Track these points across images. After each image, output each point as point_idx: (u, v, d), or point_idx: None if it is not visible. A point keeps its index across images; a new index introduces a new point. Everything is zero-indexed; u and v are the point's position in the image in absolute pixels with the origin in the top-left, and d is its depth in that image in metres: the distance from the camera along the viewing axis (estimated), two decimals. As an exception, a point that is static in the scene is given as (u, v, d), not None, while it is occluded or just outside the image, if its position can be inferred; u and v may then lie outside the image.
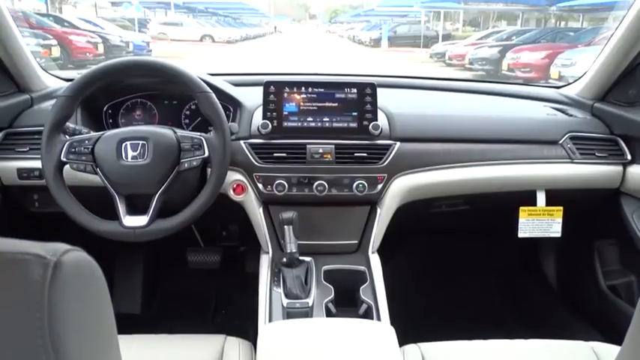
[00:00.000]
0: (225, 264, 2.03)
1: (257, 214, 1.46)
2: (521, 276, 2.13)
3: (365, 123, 1.43)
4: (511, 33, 14.55)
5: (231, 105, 1.51)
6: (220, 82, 1.50)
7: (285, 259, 1.34)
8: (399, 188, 1.45)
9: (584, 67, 1.74)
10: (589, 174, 1.55)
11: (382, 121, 1.46)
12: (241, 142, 1.42)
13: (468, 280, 2.13)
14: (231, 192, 1.42)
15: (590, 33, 11.38)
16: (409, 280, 1.98)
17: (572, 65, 7.89)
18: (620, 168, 1.55)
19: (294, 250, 1.32)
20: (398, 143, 1.45)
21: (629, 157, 1.55)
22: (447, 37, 18.80)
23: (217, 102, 1.28)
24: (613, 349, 1.15)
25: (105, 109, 1.56)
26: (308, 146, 1.41)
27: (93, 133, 1.29)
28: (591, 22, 15.74)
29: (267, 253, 1.48)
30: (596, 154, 1.55)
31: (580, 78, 1.74)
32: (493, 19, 22.86)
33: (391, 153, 1.43)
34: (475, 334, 1.20)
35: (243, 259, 2.06)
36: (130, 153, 1.23)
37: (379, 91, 1.45)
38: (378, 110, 1.46)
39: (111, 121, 1.56)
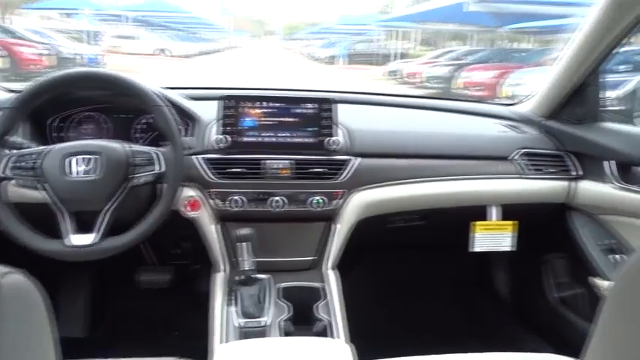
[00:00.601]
0: (178, 283, 1.97)
1: (210, 232, 1.42)
2: (476, 290, 2.16)
3: (322, 138, 1.43)
4: (464, 52, 15.00)
5: (188, 119, 1.48)
6: (176, 96, 1.47)
7: (240, 277, 1.31)
8: (357, 204, 1.45)
9: (533, 86, 1.80)
10: (540, 189, 1.59)
11: (342, 136, 1.46)
12: (197, 156, 1.39)
13: (425, 295, 2.15)
14: (184, 208, 1.38)
15: (538, 54, 11.85)
16: (368, 295, 1.97)
17: (522, 84, 8.18)
18: (570, 183, 1.60)
19: (250, 268, 1.29)
20: (358, 159, 1.45)
21: (580, 172, 1.60)
22: (403, 55, 19.20)
23: (171, 116, 1.25)
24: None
25: (51, 122, 1.50)
26: (265, 161, 1.40)
27: (38, 147, 1.23)
28: (540, 44, 16.41)
29: (221, 271, 1.45)
30: (547, 169, 1.59)
31: (532, 96, 1.79)
32: (447, 38, 23.53)
33: (351, 168, 1.44)
34: (432, 348, 1.20)
35: (197, 277, 2.01)
36: (79, 168, 1.19)
37: (340, 107, 1.46)
38: (339, 126, 1.46)
39: (56, 134, 1.50)
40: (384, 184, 1.48)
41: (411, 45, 23.29)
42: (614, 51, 1.48)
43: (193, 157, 1.38)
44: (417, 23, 20.01)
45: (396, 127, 1.66)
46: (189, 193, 1.38)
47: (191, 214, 1.39)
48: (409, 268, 2.15)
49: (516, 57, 12.87)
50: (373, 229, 1.59)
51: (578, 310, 1.68)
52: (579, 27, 1.49)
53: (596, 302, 1.46)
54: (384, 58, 18.39)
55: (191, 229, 1.42)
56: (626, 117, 1.59)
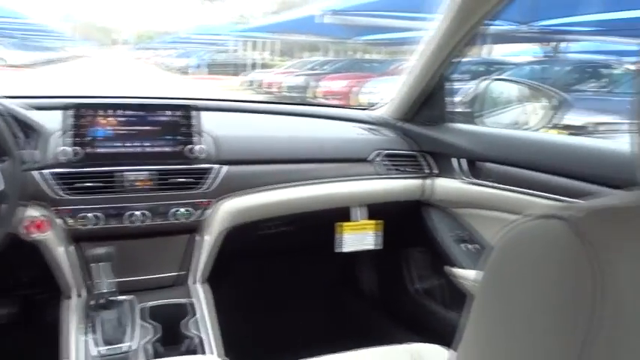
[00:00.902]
0: (25, 315, 1.75)
1: (59, 255, 1.28)
2: (347, 289, 2.22)
3: (182, 147, 1.36)
4: (321, 62, 15.54)
5: (29, 130, 1.32)
6: (13, 105, 1.31)
7: (98, 301, 1.20)
8: (226, 212, 1.41)
9: (387, 93, 1.90)
10: (398, 188, 1.67)
11: (207, 144, 1.41)
12: (42, 171, 1.24)
13: (299, 299, 2.15)
14: (27, 230, 1.22)
15: (390, 63, 12.69)
16: (242, 306, 1.93)
17: (376, 92, 8.67)
18: (426, 181, 1.70)
19: (109, 290, 1.19)
20: (225, 166, 1.41)
21: (435, 170, 1.71)
22: (262, 65, 19.37)
23: (6, 127, 1.11)
24: (430, 348, 1.25)
25: None
26: (122, 174, 1.29)
27: None
28: (390, 54, 17.58)
29: (75, 297, 1.31)
30: (405, 168, 1.68)
31: (387, 102, 1.89)
32: (305, 49, 24.21)
33: (216, 177, 1.39)
34: (308, 352, 1.20)
35: (48, 307, 1.80)
36: None
37: (206, 114, 1.41)
38: (203, 133, 1.40)
39: None
40: (252, 190, 1.46)
41: (270, 55, 23.59)
42: (453, 60, 1.62)
43: (36, 172, 1.23)
44: (273, 34, 20.33)
45: (262, 134, 1.64)
46: (32, 212, 1.22)
47: (35, 236, 1.23)
48: (282, 275, 2.15)
49: (371, 67, 13.64)
50: (244, 237, 1.56)
51: (439, 300, 1.80)
52: (423, 39, 1.62)
53: (454, 290, 1.58)
54: (242, 69, 18.39)
55: (37, 252, 1.27)
56: (470, 118, 1.76)
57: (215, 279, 1.46)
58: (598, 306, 0.31)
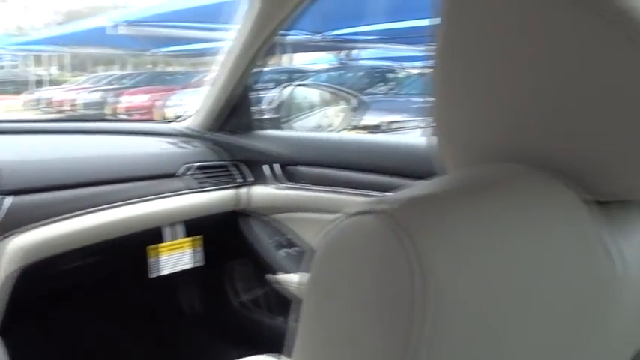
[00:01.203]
0: None
1: None
2: (170, 314, 2.10)
3: None
4: (121, 76, 14.68)
5: None
6: None
7: None
8: (16, 250, 1.21)
9: (193, 105, 1.86)
10: (213, 200, 1.63)
11: None
12: None
13: (121, 333, 1.97)
14: None
15: (195, 75, 12.49)
16: (55, 355, 1.70)
17: (182, 105, 8.46)
18: (240, 190, 1.68)
19: None
20: (10, 197, 1.22)
21: (250, 178, 1.70)
22: (49, 82, 17.58)
23: None
24: (261, 359, 1.23)
25: None
26: None
27: None
28: (194, 66, 17.27)
29: None
30: (218, 180, 1.65)
31: (194, 113, 1.83)
32: (102, 63, 22.57)
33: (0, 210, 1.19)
34: None
35: None
36: None
37: None
38: None
39: None
40: (47, 221, 1.28)
41: (59, 70, 21.53)
42: (255, 70, 1.65)
43: None
44: (60, 47, 18.55)
45: (53, 156, 1.46)
46: None
47: None
48: (98, 311, 1.95)
49: (174, 79, 13.30)
50: (44, 276, 1.37)
51: (265, 309, 1.80)
52: (223, 50, 1.62)
53: (279, 297, 1.59)
54: (25, 86, 16.44)
55: None
56: (277, 123, 1.82)
57: (12, 330, 1.25)
58: (418, 297, 0.30)
